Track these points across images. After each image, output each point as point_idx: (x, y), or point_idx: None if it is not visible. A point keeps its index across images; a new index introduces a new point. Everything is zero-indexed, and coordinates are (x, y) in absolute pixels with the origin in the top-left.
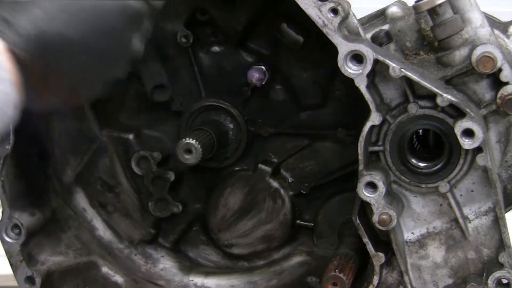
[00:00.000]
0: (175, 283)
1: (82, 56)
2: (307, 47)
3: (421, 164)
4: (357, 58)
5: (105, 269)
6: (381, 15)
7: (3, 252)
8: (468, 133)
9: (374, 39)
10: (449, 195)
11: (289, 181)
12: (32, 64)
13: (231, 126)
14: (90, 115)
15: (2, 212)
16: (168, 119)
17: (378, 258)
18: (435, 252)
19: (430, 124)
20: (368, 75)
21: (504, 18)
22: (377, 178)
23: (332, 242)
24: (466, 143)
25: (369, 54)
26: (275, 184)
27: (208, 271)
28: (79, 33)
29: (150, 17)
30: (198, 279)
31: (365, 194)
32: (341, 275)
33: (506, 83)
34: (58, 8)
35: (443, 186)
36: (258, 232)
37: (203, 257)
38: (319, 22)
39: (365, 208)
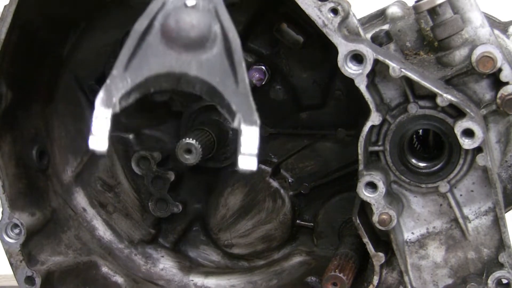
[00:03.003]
0: (175, 283)
1: None
2: (307, 47)
3: (421, 164)
4: (357, 58)
5: (105, 269)
6: (381, 15)
7: (3, 252)
8: (468, 133)
9: (374, 39)
10: (449, 195)
11: (289, 181)
12: None
13: (231, 126)
14: (90, 115)
15: (2, 212)
16: (168, 119)
17: (378, 258)
18: (435, 252)
19: (430, 124)
20: (368, 75)
21: (504, 18)
22: (377, 178)
23: (332, 242)
24: (466, 143)
25: (369, 54)
26: (275, 184)
27: (208, 271)
28: None
29: None
30: (198, 279)
31: (365, 194)
32: (341, 275)
33: (506, 83)
34: None
35: (443, 186)
36: (258, 232)
37: (203, 257)
38: (319, 22)
39: (365, 208)
